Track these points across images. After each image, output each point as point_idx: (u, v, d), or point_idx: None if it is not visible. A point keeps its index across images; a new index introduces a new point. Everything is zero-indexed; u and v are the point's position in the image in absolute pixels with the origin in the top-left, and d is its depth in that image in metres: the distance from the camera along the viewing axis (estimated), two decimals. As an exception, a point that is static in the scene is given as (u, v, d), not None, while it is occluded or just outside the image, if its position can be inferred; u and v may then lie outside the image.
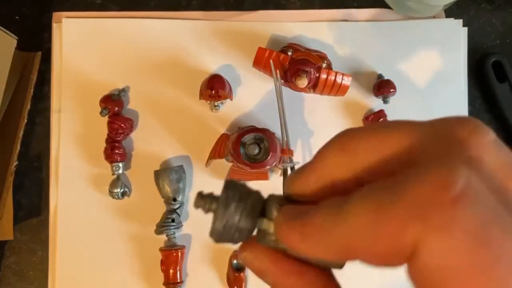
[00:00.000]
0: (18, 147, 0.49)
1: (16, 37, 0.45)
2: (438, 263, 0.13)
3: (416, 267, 0.13)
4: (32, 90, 0.49)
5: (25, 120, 0.49)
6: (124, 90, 0.49)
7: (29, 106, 0.49)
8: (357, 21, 0.51)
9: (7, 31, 0.44)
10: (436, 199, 0.13)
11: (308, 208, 0.16)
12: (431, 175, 0.13)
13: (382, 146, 0.16)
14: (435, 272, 0.13)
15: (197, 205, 0.18)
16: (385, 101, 0.49)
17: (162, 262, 0.47)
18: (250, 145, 0.43)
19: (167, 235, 0.47)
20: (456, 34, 0.51)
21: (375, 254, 0.14)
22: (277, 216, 0.17)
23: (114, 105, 0.48)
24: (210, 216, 0.18)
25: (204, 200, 0.18)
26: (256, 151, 0.43)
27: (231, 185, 0.18)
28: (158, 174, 0.48)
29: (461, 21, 0.51)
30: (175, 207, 0.47)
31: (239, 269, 0.48)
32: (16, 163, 0.49)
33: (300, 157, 0.49)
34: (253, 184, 0.18)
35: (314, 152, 0.17)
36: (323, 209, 0.16)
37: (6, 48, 0.45)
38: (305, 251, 0.16)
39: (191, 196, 0.49)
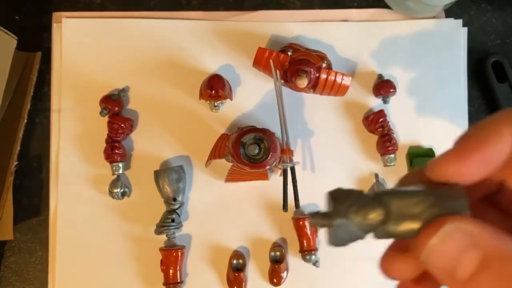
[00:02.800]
0: (18, 147, 0.49)
1: (16, 37, 0.45)
2: None
3: None
4: (32, 90, 0.49)
5: (25, 120, 0.49)
6: (124, 90, 0.49)
7: (29, 106, 0.49)
8: (357, 21, 0.51)
9: (7, 31, 0.44)
10: None
11: None
12: None
13: None
14: None
15: (313, 223, 0.18)
16: (385, 101, 0.49)
17: (162, 262, 0.47)
18: (250, 145, 0.43)
19: (167, 235, 0.47)
20: (456, 34, 0.51)
21: None
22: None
23: (114, 105, 0.48)
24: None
25: (321, 217, 0.18)
26: (256, 151, 0.43)
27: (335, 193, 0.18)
28: (158, 174, 0.48)
29: (461, 21, 0.51)
30: (175, 207, 0.47)
31: (239, 269, 0.48)
32: (16, 163, 0.49)
33: (300, 157, 0.49)
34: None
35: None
36: None
37: (6, 48, 0.45)
38: None
39: (191, 196, 0.49)
